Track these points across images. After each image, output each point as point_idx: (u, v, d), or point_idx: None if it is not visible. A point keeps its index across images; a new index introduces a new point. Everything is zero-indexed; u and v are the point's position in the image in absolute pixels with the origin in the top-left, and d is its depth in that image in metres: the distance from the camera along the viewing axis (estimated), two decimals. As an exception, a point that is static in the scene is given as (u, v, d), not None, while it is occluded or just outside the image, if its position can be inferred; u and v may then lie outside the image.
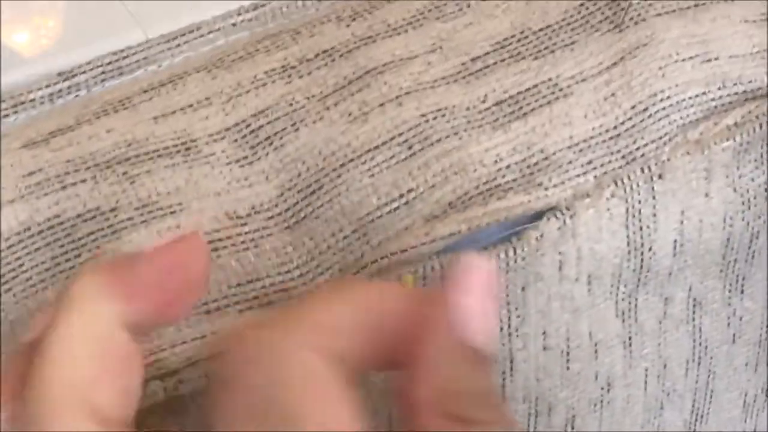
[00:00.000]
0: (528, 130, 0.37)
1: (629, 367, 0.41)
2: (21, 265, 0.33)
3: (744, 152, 0.39)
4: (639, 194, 0.37)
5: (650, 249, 0.38)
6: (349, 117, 0.37)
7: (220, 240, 0.34)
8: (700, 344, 0.43)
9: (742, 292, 0.42)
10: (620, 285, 0.38)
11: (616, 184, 0.37)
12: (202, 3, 0.40)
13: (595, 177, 0.37)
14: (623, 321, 0.40)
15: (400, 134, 0.36)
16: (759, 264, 0.42)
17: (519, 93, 0.37)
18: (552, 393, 0.39)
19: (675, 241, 0.38)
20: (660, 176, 0.37)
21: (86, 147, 0.35)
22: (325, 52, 0.38)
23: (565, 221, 0.36)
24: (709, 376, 0.44)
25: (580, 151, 0.37)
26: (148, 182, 0.35)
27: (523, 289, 0.36)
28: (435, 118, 0.37)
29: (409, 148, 0.36)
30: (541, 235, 0.36)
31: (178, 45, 0.39)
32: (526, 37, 0.39)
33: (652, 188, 0.37)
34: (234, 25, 0.40)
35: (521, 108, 0.37)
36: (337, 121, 0.37)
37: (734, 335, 0.43)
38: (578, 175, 0.37)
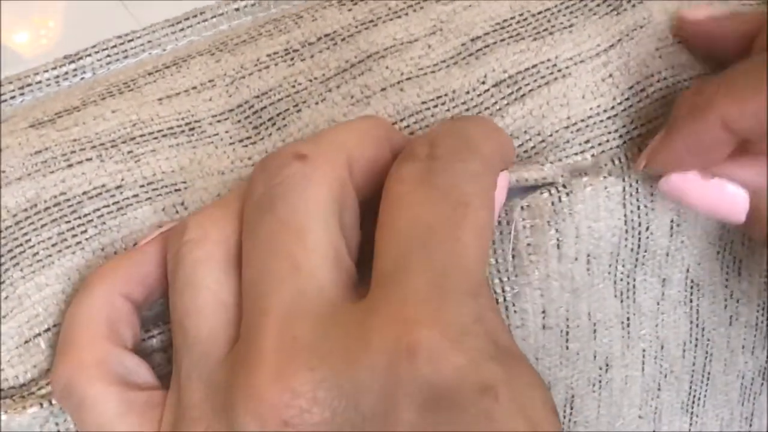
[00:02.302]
0: (525, 113, 0.37)
1: (627, 348, 0.41)
2: (28, 241, 0.33)
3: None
4: (636, 173, 0.37)
5: (647, 228, 0.38)
6: (351, 99, 0.37)
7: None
8: (697, 326, 0.43)
9: (739, 274, 0.42)
10: (618, 265, 0.39)
11: (613, 162, 0.37)
12: (200, 3, 0.41)
13: (593, 156, 0.37)
14: (622, 301, 0.40)
15: (402, 120, 0.37)
16: (756, 245, 0.42)
17: (518, 73, 0.38)
18: (551, 372, 0.40)
19: (672, 220, 0.39)
20: None
21: (92, 127, 0.36)
22: (327, 35, 0.39)
23: (560, 197, 0.36)
24: (706, 359, 0.44)
25: (578, 130, 0.37)
26: (152, 161, 0.35)
27: (513, 257, 0.37)
28: (435, 106, 0.37)
29: (411, 133, 0.37)
30: (528, 205, 0.36)
31: (182, 29, 0.40)
32: (525, 19, 0.39)
33: None
34: (237, 9, 0.40)
35: (520, 89, 0.38)
36: (339, 103, 0.37)
37: (731, 317, 0.43)
38: (576, 154, 0.37)
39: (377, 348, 0.27)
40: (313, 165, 0.30)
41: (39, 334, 0.33)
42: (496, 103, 0.37)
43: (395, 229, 0.29)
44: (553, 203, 0.36)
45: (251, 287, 0.29)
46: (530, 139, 0.37)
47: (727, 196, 0.35)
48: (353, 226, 0.31)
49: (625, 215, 0.37)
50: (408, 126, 0.37)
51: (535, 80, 0.38)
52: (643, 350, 0.42)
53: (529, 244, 0.36)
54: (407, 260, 0.28)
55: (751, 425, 0.47)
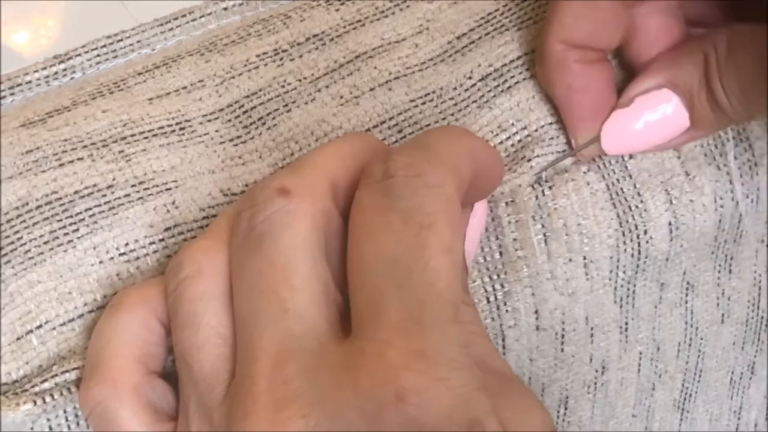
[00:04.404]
0: (513, 105, 0.37)
1: (624, 351, 0.41)
2: (20, 239, 0.33)
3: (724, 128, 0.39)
4: (615, 172, 0.38)
5: (646, 232, 0.38)
6: (341, 99, 0.37)
7: (215, 216, 0.35)
8: (691, 326, 0.43)
9: (729, 271, 0.42)
10: (619, 271, 0.38)
11: (593, 159, 0.37)
12: (193, 2, 0.41)
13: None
14: (621, 307, 0.40)
15: (391, 118, 0.37)
16: (745, 242, 0.42)
17: (503, 65, 0.38)
18: (546, 374, 0.39)
19: (670, 223, 0.38)
20: (630, 156, 0.38)
21: (83, 127, 0.36)
22: (315, 36, 0.39)
23: (543, 191, 0.36)
24: (699, 357, 0.44)
25: (561, 128, 0.38)
26: (143, 160, 0.35)
27: (500, 254, 0.37)
28: (423, 103, 0.37)
29: (400, 131, 0.37)
30: (512, 200, 0.36)
31: (171, 29, 0.40)
32: (510, 9, 0.39)
33: (625, 167, 0.38)
34: (225, 9, 0.41)
35: (506, 81, 0.38)
36: (328, 103, 0.37)
37: (723, 315, 0.43)
38: (560, 152, 0.37)
39: (366, 393, 0.27)
40: (297, 200, 0.30)
41: (31, 331, 0.33)
42: (483, 96, 0.38)
43: (363, 264, 0.29)
44: (536, 197, 0.36)
45: (242, 325, 0.29)
46: (517, 133, 0.37)
47: (654, 113, 0.36)
48: (340, 251, 0.31)
49: (618, 215, 0.37)
50: (397, 124, 0.37)
51: (520, 72, 0.38)
52: (640, 353, 0.42)
53: (515, 239, 0.36)
54: (381, 297, 0.28)
55: (739, 419, 0.47)
